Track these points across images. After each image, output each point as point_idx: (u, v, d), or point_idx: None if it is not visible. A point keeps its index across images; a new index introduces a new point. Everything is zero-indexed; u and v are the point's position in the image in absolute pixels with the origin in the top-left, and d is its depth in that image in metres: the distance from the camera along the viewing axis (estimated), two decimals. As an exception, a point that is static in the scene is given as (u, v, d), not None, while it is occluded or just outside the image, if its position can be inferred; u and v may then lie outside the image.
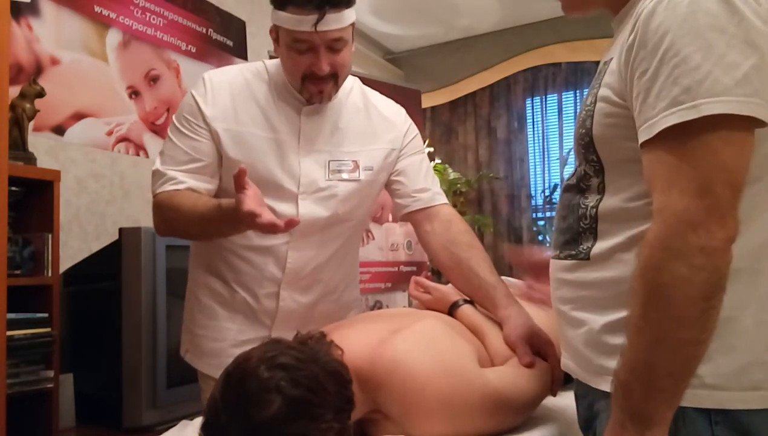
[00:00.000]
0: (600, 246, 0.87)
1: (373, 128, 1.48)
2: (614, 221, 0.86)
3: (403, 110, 1.56)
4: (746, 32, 0.73)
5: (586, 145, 0.88)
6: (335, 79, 1.34)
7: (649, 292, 0.74)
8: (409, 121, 1.55)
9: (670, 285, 0.72)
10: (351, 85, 1.48)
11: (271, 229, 1.12)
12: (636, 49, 0.78)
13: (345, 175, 1.42)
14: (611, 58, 0.86)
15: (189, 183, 1.35)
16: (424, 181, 1.51)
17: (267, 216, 1.11)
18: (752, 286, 0.78)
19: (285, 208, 1.36)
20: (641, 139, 0.77)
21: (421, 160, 1.53)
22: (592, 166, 0.89)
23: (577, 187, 0.92)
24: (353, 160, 1.44)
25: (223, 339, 1.42)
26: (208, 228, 1.30)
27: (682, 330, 0.72)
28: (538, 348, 1.19)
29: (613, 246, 0.85)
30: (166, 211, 1.34)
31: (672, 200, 0.72)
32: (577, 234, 0.91)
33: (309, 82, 1.33)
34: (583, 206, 0.90)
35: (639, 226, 0.81)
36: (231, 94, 1.39)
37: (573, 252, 0.91)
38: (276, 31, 1.33)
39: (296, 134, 1.39)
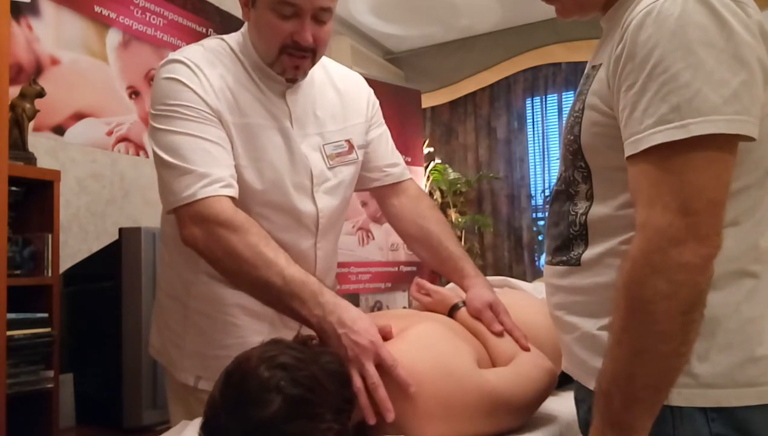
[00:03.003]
0: (591, 252, 0.88)
1: (345, 102, 1.37)
2: (604, 228, 0.87)
3: (359, 76, 1.46)
4: (736, 47, 0.73)
5: (574, 151, 0.89)
6: (313, 55, 1.22)
7: (630, 305, 0.75)
8: (369, 88, 1.46)
9: (651, 300, 0.73)
10: None
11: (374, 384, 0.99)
12: (624, 60, 0.78)
13: (345, 158, 1.33)
14: (600, 64, 0.86)
15: (233, 184, 1.16)
16: (392, 155, 1.48)
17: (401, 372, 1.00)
18: (742, 287, 0.80)
19: (304, 205, 1.27)
20: (627, 152, 0.78)
21: (386, 132, 1.48)
22: (581, 173, 0.89)
23: (566, 193, 0.93)
24: (346, 140, 1.34)
25: None
26: (267, 295, 1.09)
27: (662, 344, 0.74)
28: (496, 315, 1.23)
29: (604, 252, 0.86)
30: (223, 246, 1.09)
31: (655, 216, 0.74)
32: (568, 240, 0.92)
33: (286, 55, 1.19)
34: (572, 213, 0.91)
35: (628, 232, 0.81)
36: (222, 77, 1.21)
37: (564, 258, 0.93)
38: None
39: (289, 120, 1.27)
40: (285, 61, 1.20)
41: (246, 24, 1.29)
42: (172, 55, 1.23)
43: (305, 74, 1.27)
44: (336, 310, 1.03)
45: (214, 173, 1.13)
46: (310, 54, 1.21)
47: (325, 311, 1.03)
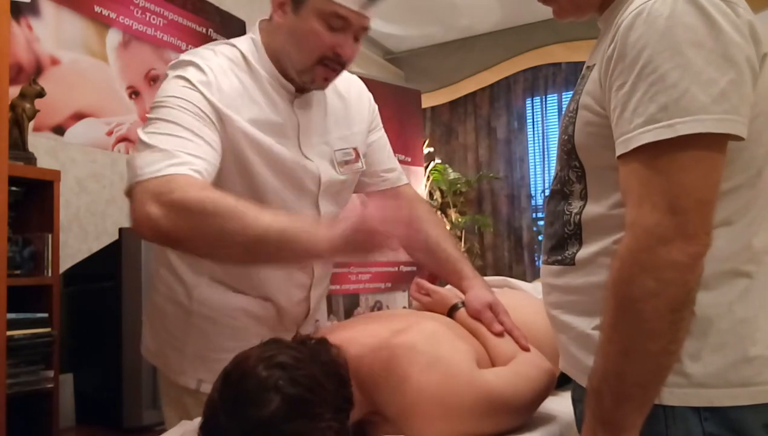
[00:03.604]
0: (585, 251, 0.89)
1: (349, 108, 1.39)
2: (598, 228, 0.87)
3: (359, 80, 1.46)
4: (724, 47, 0.73)
5: (568, 151, 0.90)
6: (342, 69, 1.25)
7: (619, 304, 0.76)
8: (369, 92, 1.46)
9: (639, 298, 0.74)
10: None
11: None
12: (615, 61, 0.78)
13: (353, 167, 1.35)
14: (594, 64, 0.87)
15: (206, 177, 1.06)
16: (389, 160, 1.49)
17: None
18: (735, 286, 0.80)
19: (308, 212, 1.29)
20: (618, 152, 0.78)
21: (383, 137, 1.49)
22: (575, 173, 0.90)
23: (561, 192, 0.94)
24: (353, 148, 1.36)
25: None
26: (262, 252, 1.01)
27: (651, 342, 0.74)
28: (496, 315, 1.24)
29: (598, 251, 0.86)
30: (188, 208, 0.98)
31: (643, 215, 0.74)
32: (563, 239, 0.92)
33: (321, 66, 1.20)
34: (567, 213, 0.92)
35: (621, 232, 0.81)
36: (232, 83, 1.19)
37: (559, 257, 0.93)
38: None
39: (296, 130, 1.27)
40: (318, 72, 1.21)
41: (255, 29, 1.27)
42: (184, 56, 1.22)
43: (327, 86, 1.29)
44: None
45: (184, 157, 1.04)
46: (340, 68, 1.23)
47: (329, 236, 0.98)
